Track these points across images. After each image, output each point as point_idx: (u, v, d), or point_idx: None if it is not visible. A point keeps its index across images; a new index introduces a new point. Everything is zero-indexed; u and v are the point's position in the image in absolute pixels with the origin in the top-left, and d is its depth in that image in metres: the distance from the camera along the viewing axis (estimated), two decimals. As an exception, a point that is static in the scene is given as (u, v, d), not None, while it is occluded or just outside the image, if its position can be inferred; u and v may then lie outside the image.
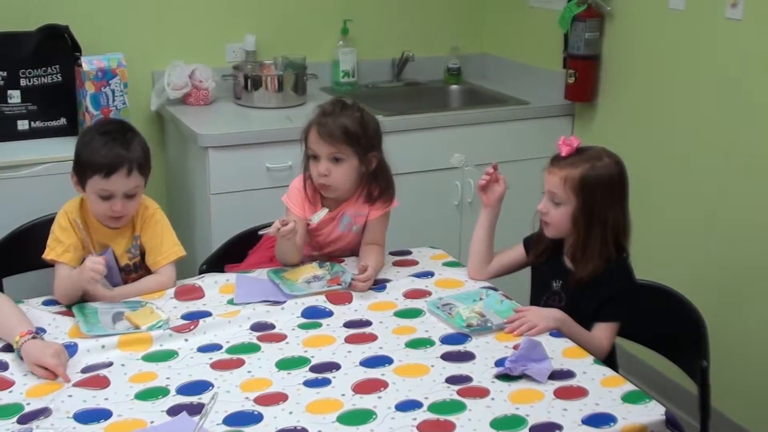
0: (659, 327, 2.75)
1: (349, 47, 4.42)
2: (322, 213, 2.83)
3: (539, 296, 2.71)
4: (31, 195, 3.41)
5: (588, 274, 2.56)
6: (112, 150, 2.68)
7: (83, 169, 2.70)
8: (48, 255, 2.72)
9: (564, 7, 4.03)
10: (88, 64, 3.61)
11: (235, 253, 3.11)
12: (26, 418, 2.03)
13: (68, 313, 2.54)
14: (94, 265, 2.52)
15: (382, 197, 2.90)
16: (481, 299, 2.63)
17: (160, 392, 2.16)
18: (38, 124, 3.76)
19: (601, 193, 2.55)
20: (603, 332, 2.56)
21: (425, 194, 4.00)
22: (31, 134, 3.75)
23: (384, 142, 2.92)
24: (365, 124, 2.83)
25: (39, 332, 2.34)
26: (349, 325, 2.53)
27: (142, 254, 2.83)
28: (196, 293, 2.69)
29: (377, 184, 2.89)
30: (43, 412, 2.05)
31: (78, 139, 2.83)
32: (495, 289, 2.71)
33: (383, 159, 2.90)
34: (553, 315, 2.50)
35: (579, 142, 2.61)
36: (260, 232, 2.83)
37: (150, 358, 2.33)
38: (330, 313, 2.59)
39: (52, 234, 2.74)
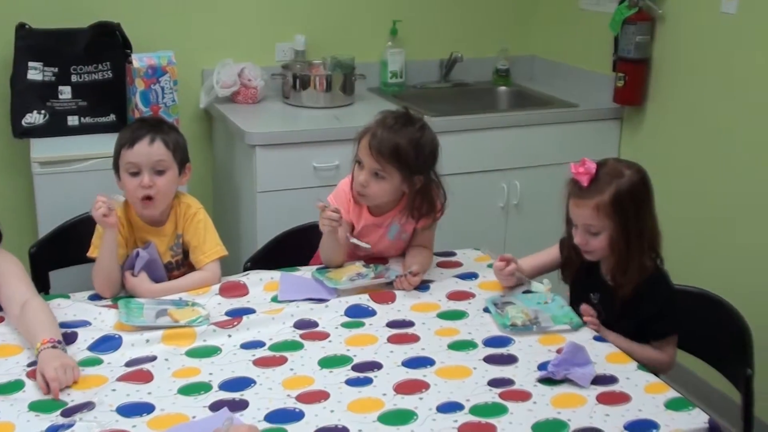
0: (703, 334, 2.71)
1: (398, 48, 4.42)
2: (366, 246, 2.84)
3: (577, 307, 2.68)
4: (79, 190, 3.44)
5: (630, 291, 2.53)
6: (140, 127, 2.77)
7: (116, 155, 2.76)
8: (92, 253, 2.73)
9: (615, 9, 4.01)
10: (138, 61, 3.63)
11: (280, 251, 3.12)
12: (70, 412, 2.05)
13: (114, 306, 2.56)
14: (104, 206, 2.58)
15: (424, 217, 2.85)
16: (546, 302, 2.62)
17: (203, 387, 2.18)
18: (88, 120, 3.80)
19: (634, 208, 2.50)
20: (665, 348, 2.56)
21: (471, 196, 3.99)
22: (81, 130, 3.79)
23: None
24: (420, 147, 2.74)
25: (60, 344, 2.25)
26: (392, 325, 2.53)
27: (185, 253, 2.85)
28: (241, 290, 2.70)
29: (420, 204, 2.82)
30: (87, 406, 2.06)
31: None
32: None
33: (432, 181, 2.82)
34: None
35: (593, 163, 2.53)
36: (316, 204, 2.76)
37: (193, 353, 2.35)
38: (373, 313, 2.60)
39: (97, 232, 2.76)
